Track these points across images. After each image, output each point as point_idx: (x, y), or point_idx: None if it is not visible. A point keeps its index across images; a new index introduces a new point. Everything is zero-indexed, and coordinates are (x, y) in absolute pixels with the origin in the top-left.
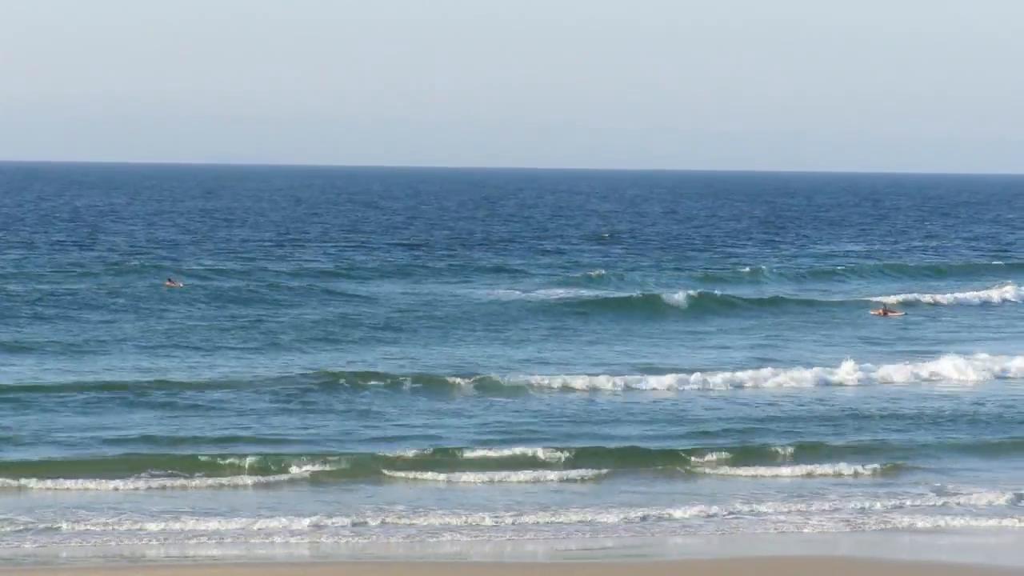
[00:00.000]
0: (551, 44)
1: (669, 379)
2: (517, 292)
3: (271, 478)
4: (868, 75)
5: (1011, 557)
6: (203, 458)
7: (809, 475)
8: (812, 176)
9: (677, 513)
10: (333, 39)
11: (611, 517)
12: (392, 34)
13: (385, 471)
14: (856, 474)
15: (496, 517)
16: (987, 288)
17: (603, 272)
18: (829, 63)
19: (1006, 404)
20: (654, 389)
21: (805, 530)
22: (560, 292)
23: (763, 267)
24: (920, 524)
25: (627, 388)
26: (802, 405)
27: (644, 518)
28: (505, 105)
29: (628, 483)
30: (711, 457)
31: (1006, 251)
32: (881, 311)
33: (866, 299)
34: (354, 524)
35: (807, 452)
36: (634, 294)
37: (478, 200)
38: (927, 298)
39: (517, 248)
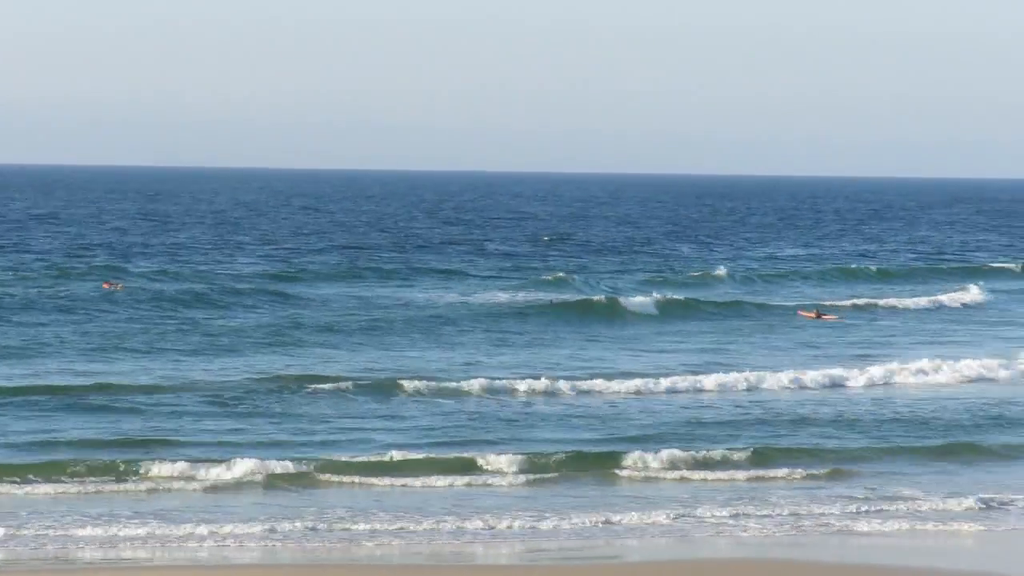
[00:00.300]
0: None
1: (616, 383)
2: (457, 295)
3: (207, 482)
4: (826, 77)
5: (948, 560)
6: (140, 462)
7: (749, 479)
8: (758, 180)
9: (616, 517)
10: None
11: (553, 522)
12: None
13: (324, 475)
14: (791, 478)
15: (439, 521)
16: (943, 293)
17: (562, 275)
18: (789, 66)
19: (943, 408)
20: (600, 392)
21: (743, 533)
22: (520, 296)
23: (721, 270)
24: (857, 527)
25: (576, 392)
26: (741, 408)
27: (585, 522)
28: (453, 108)
29: (570, 487)
30: (652, 461)
31: (947, 254)
32: (814, 313)
33: (817, 303)
34: (291, 529)
35: (749, 456)
36: (595, 297)
37: (416, 203)
38: (879, 302)
39: (460, 251)
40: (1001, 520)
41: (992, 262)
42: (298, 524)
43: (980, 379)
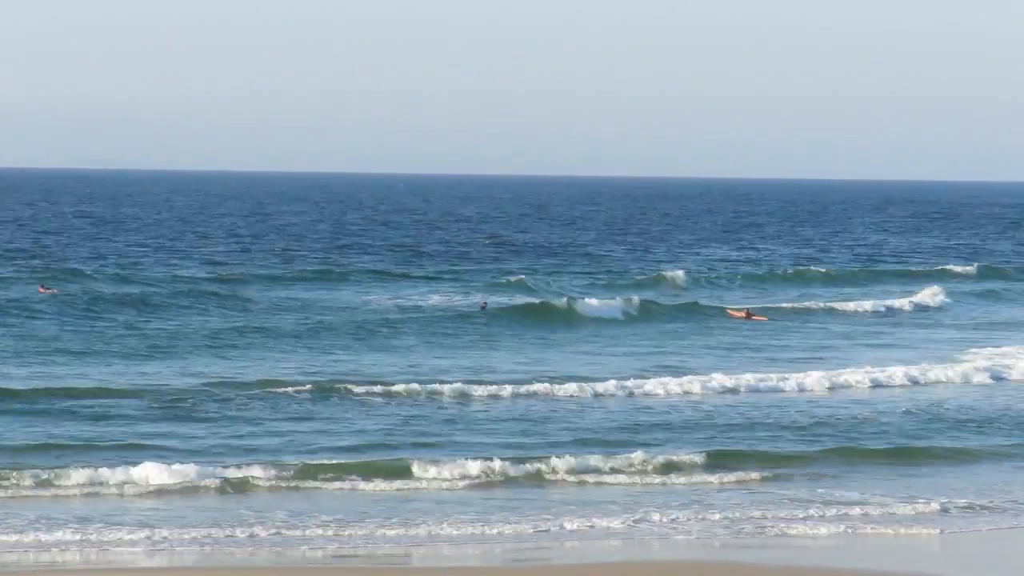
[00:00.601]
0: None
1: (559, 387)
2: (400, 298)
3: (142, 486)
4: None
5: (889, 561)
6: (72, 466)
7: (689, 483)
8: (691, 181)
9: (553, 520)
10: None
11: (489, 527)
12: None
13: (261, 479)
14: (732, 481)
15: (378, 526)
16: (893, 297)
17: (523, 278)
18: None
19: (884, 411)
20: (544, 395)
21: (683, 536)
22: (472, 299)
23: (680, 272)
24: (797, 530)
25: (519, 395)
26: (678, 412)
27: (524, 526)
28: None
29: (507, 491)
30: (595, 463)
31: (889, 257)
32: (744, 313)
33: (778, 306)
34: (225, 535)
35: (690, 460)
36: (555, 301)
37: (356, 206)
38: (826, 305)
39: (402, 254)
40: (941, 522)
41: (944, 264)
42: (236, 529)
43: (926, 383)
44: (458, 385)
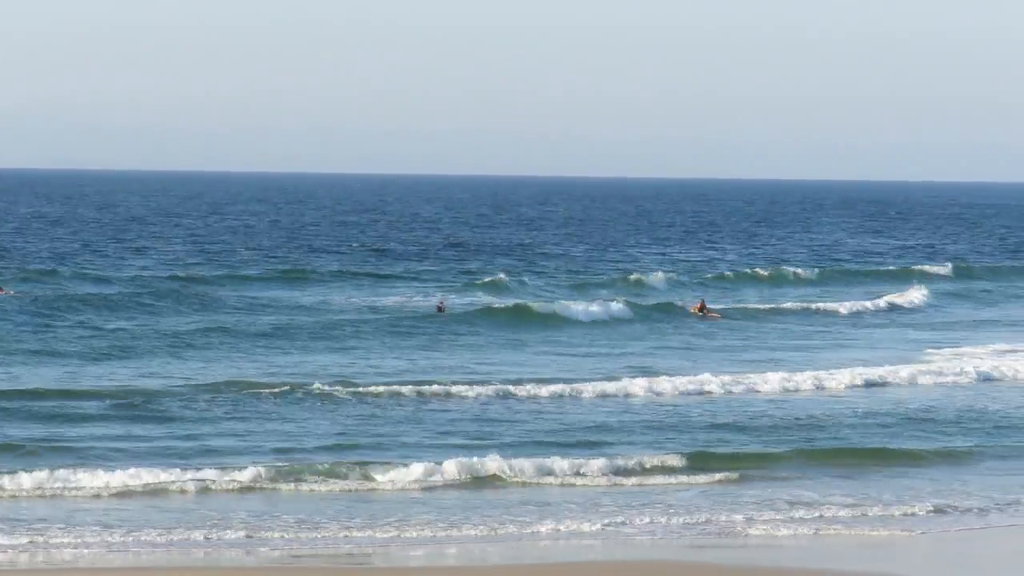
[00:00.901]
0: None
1: (521, 388)
2: (384, 299)
3: (99, 488)
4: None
5: (850, 562)
6: (24, 470)
7: (653, 484)
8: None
9: (508, 521)
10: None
11: (458, 529)
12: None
13: (221, 481)
14: (690, 483)
15: (341, 528)
16: (877, 297)
17: (503, 278)
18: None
19: (845, 412)
20: (509, 396)
21: (641, 537)
22: (466, 299)
23: (659, 273)
24: (758, 531)
25: (477, 396)
26: (646, 413)
27: (483, 527)
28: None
29: (464, 492)
30: (557, 465)
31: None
32: (698, 306)
33: (754, 307)
34: (180, 538)
35: (656, 462)
36: (532, 303)
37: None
38: (807, 305)
39: (368, 253)
40: (905, 523)
41: (918, 265)
42: (196, 531)
43: (894, 383)
44: (435, 387)
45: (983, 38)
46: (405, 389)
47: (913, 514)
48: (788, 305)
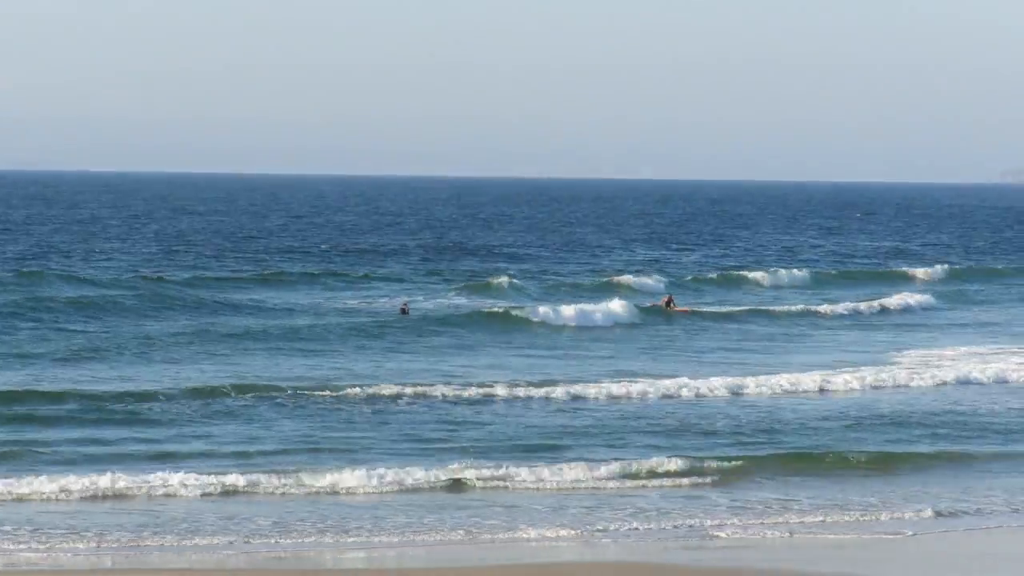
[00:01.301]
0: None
1: (491, 389)
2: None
3: (59, 493)
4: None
5: (820, 564)
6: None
7: (625, 488)
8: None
9: (472, 525)
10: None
11: (424, 533)
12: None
13: (185, 484)
14: (660, 486)
15: (307, 532)
16: (866, 300)
17: (504, 280)
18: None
19: (804, 415)
20: (481, 399)
21: (608, 540)
22: (464, 301)
23: (653, 275)
24: (728, 534)
25: (445, 398)
26: (606, 417)
27: (446, 533)
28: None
29: (427, 498)
30: (524, 469)
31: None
32: (665, 300)
33: (740, 309)
34: (144, 543)
35: (628, 466)
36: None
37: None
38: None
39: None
40: (870, 527)
41: (902, 267)
42: (166, 537)
43: (872, 386)
44: (397, 388)
45: None
46: (368, 391)
47: (888, 518)
48: (775, 308)
